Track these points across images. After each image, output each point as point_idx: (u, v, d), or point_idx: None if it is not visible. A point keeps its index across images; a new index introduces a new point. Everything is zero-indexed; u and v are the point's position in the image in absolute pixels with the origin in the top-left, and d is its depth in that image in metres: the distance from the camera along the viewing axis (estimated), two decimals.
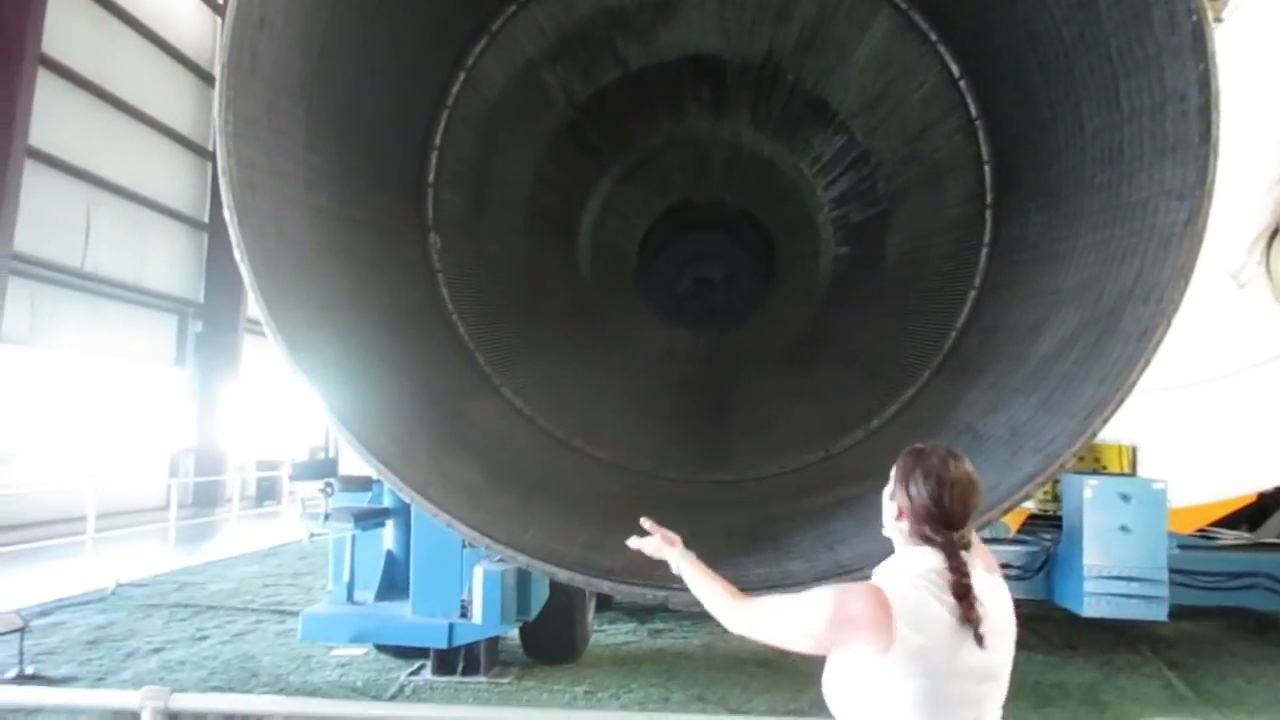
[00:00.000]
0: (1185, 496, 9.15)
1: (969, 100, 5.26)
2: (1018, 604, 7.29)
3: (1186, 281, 3.50)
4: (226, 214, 3.66)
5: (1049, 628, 9.09)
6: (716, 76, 6.48)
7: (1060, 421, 3.67)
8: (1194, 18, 3.55)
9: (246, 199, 3.69)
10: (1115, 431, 9.14)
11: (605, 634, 8.63)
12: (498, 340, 5.68)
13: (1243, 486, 9.27)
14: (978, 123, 5.24)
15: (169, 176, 20.97)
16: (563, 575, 3.64)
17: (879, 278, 6.08)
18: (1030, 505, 8.99)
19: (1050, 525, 9.14)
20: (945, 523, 2.21)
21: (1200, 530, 9.94)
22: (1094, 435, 3.49)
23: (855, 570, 3.41)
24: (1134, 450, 9.11)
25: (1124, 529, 7.95)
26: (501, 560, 4.82)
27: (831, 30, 5.83)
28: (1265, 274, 9.15)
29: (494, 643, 6.95)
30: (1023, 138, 4.89)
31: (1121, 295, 3.75)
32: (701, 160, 7.11)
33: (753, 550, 3.85)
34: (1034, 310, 4.41)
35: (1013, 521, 9.02)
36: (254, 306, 3.63)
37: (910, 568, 2.19)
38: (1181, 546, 8.50)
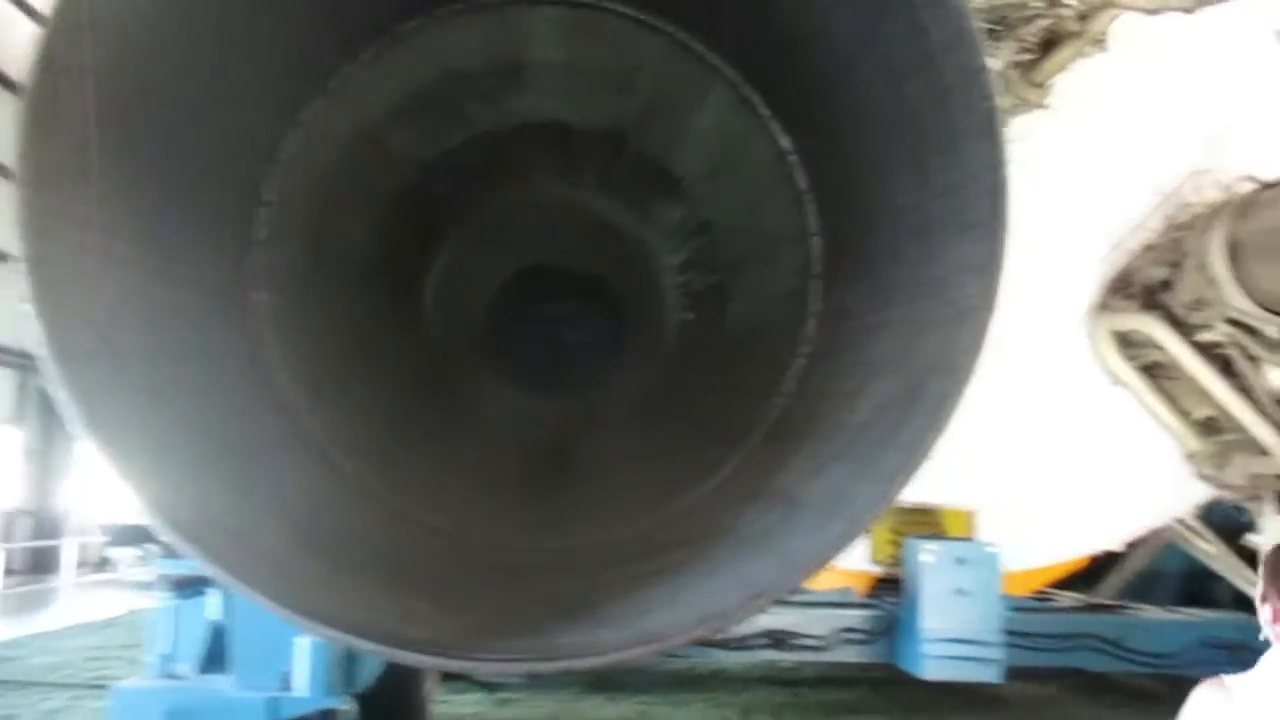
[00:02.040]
0: (1024, 560, 9.49)
1: (797, 175, 5.42)
2: (863, 668, 7.40)
3: (978, 353, 3.65)
4: (25, 266, 3.51)
5: (894, 690, 9.22)
6: (564, 143, 6.54)
7: (869, 487, 3.75)
8: (986, 103, 3.74)
9: (42, 249, 3.55)
10: (956, 496, 9.48)
11: (450, 704, 8.40)
12: (328, 402, 5.51)
13: (1077, 550, 9.66)
14: (806, 196, 5.40)
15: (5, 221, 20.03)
16: (368, 647, 3.52)
17: (719, 344, 6.17)
18: (877, 569, 9.19)
19: (896, 589, 9.33)
20: None
21: (1039, 592, 10.30)
22: (892, 501, 3.56)
23: (663, 638, 3.40)
24: (973, 515, 9.39)
25: (960, 592, 8.18)
26: None
27: (670, 103, 5.97)
28: (1091, 346, 9.65)
29: (328, 716, 6.67)
30: (847, 212, 5.07)
31: (926, 366, 3.88)
32: (550, 225, 7.14)
33: (568, 619, 3.79)
34: (853, 379, 4.53)
35: (860, 585, 9.20)
36: None
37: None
38: (1016, 609, 8.77)
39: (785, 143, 5.48)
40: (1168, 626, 9.48)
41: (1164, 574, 11.82)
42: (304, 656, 5.70)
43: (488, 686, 8.91)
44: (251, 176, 5.19)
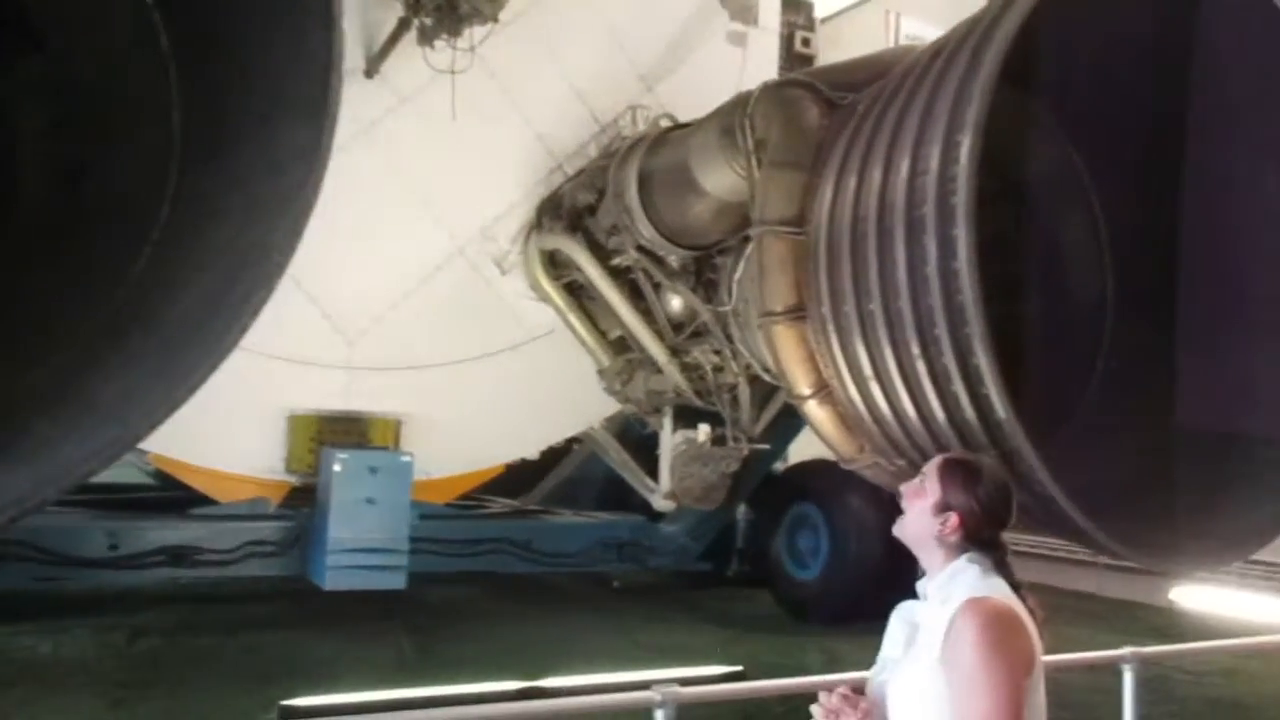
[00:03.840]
0: (447, 467, 9.66)
1: (161, 34, 4.77)
2: (285, 581, 6.89)
3: (296, 243, 3.37)
4: None
5: (311, 601, 8.95)
6: None
7: (162, 388, 3.34)
8: None
9: None
10: (383, 405, 9.39)
11: None
12: None
13: (494, 458, 10.00)
14: (169, 61, 4.77)
15: None
16: None
17: (72, 226, 5.33)
18: (292, 478, 8.82)
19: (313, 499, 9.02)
20: (1005, 524, 2.20)
21: (469, 497, 10.59)
22: (181, 402, 3.19)
23: None
24: (399, 424, 9.34)
25: (370, 501, 8.10)
26: None
27: None
28: (524, 263, 9.93)
29: None
30: (208, 86, 4.54)
31: (244, 258, 3.54)
32: None
33: None
34: (187, 269, 4.08)
35: (274, 495, 8.78)
36: None
37: (986, 577, 2.13)
38: (429, 516, 8.86)
39: None
40: (572, 529, 10.22)
41: (588, 480, 12.69)
42: None
43: None
44: None
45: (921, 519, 2.23)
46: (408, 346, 9.31)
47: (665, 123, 9.57)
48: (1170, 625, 10.23)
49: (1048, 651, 2.19)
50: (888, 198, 5.44)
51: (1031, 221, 7.58)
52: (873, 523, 9.61)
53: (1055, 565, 13.06)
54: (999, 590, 2.10)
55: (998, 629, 2.00)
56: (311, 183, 3.39)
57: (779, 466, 11.52)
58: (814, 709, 2.17)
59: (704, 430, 9.77)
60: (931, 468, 2.28)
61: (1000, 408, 4.74)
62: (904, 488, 2.32)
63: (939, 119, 5.13)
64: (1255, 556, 9.95)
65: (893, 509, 7.97)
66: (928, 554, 2.23)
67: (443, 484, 9.52)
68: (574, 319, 9.90)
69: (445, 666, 7.33)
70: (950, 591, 2.12)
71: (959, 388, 4.95)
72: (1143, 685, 4.38)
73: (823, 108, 7.02)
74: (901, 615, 2.27)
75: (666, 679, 2.67)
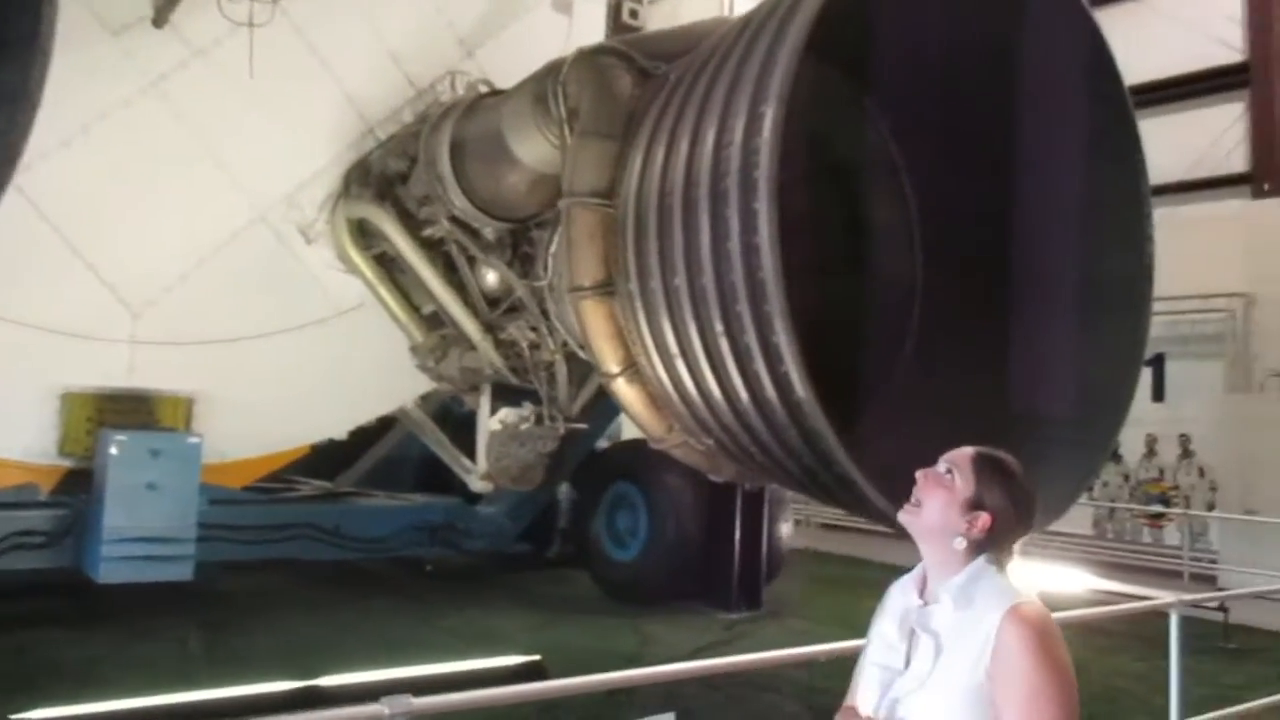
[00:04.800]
0: (246, 449, 9.06)
1: None
2: (42, 574, 6.16)
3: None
4: None
5: (91, 595, 8.24)
6: None
7: None
8: None
9: None
10: (173, 382, 8.71)
11: None
12: None
13: (298, 439, 9.45)
14: None
15: None
16: None
17: None
18: (67, 462, 8.09)
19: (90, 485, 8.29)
20: (1029, 530, 2.09)
21: (277, 480, 9.99)
22: None
23: None
24: (191, 403, 8.69)
25: (151, 486, 7.48)
26: None
27: None
28: (331, 233, 9.40)
29: None
30: None
31: None
32: None
33: None
34: None
35: (45, 481, 8.03)
36: None
37: (1005, 580, 2.00)
38: (214, 501, 8.26)
39: None
40: (382, 512, 9.76)
41: (408, 460, 12.22)
42: None
43: None
44: None
45: (945, 513, 2.05)
46: (202, 319, 8.65)
47: (484, 89, 9.21)
48: None
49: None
50: (693, 170, 5.27)
51: (847, 202, 7.58)
52: (691, 503, 9.57)
53: (867, 538, 13.39)
54: (1026, 595, 1.98)
55: (1052, 640, 1.91)
56: (17, 129, 2.91)
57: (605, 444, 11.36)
58: None
59: (529, 409, 9.47)
60: (964, 460, 2.09)
61: (799, 387, 4.64)
62: (922, 475, 2.13)
63: (744, 90, 4.97)
64: (1054, 528, 10.44)
65: (711, 491, 7.80)
66: (941, 551, 2.06)
67: (240, 466, 8.93)
68: (384, 292, 9.42)
69: (231, 664, 6.82)
70: (972, 594, 1.99)
71: (760, 366, 4.83)
72: None
73: (636, 77, 6.80)
74: (897, 619, 2.10)
75: (401, 680, 2.41)
